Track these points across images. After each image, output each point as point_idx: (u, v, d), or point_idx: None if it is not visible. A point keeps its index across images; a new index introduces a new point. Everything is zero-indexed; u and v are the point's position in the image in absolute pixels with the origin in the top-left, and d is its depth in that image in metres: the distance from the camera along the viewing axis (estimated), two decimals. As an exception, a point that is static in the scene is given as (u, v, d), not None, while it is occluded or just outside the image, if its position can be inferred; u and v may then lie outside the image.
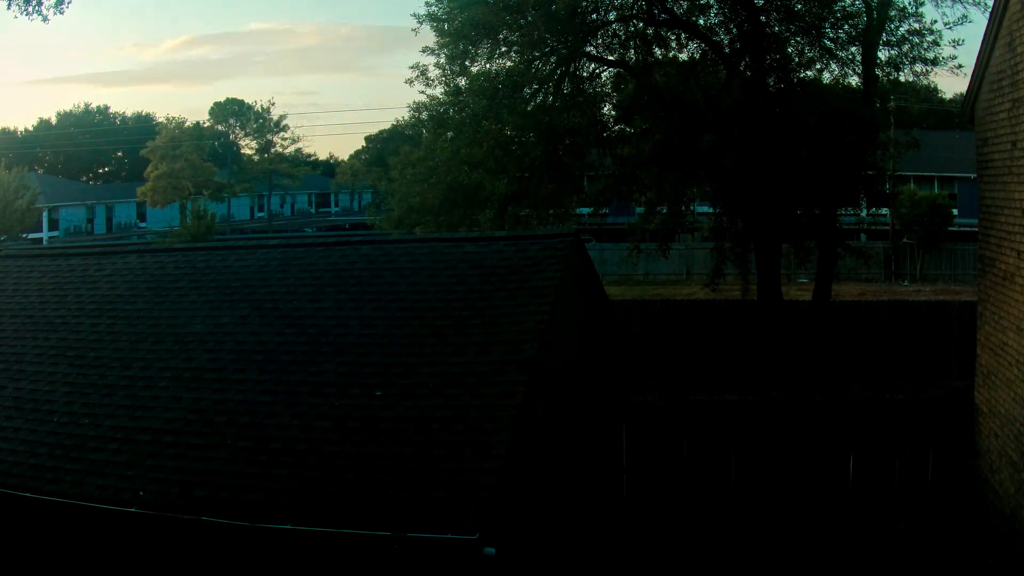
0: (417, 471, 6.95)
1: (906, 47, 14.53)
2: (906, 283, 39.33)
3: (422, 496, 6.71)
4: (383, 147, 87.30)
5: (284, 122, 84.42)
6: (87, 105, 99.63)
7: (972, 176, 14.47)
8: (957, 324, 20.91)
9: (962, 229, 40.38)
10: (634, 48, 15.29)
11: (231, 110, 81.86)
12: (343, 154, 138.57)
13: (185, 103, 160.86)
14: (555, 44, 13.72)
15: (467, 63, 15.99)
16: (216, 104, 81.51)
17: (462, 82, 16.52)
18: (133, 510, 7.16)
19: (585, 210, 17.26)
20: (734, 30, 14.68)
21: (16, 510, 7.77)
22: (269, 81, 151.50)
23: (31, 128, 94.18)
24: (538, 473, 8.53)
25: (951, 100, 55.85)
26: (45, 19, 12.77)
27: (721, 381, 21.97)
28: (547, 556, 9.08)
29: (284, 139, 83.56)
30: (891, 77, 15.38)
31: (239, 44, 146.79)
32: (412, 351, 8.31)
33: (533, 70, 14.14)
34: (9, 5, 12.34)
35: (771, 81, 14.68)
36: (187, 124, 76.68)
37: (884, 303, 23.17)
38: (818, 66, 15.10)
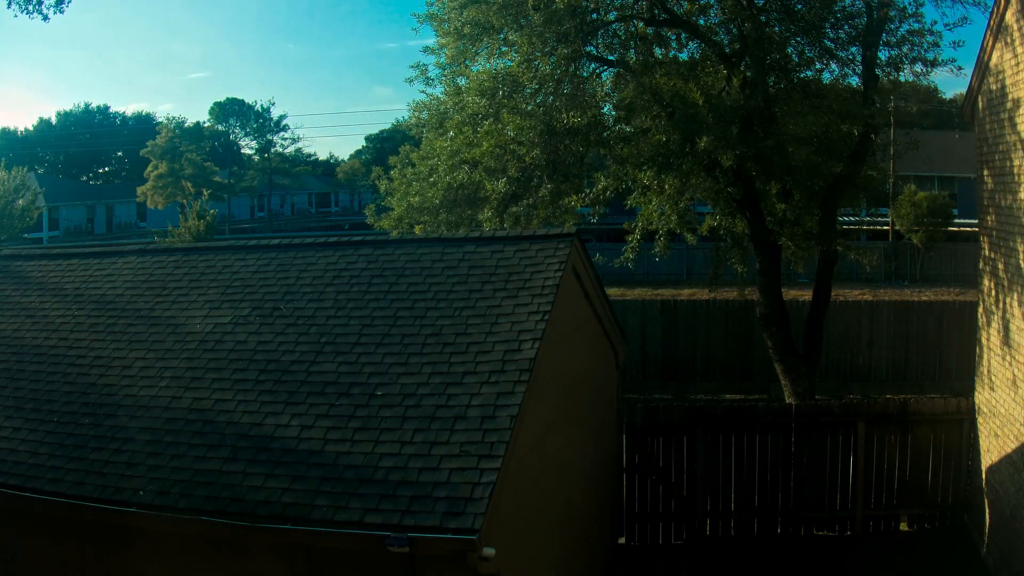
0: (417, 471, 6.96)
1: (906, 47, 14.49)
2: (906, 283, 39.34)
3: (422, 496, 6.72)
4: (383, 147, 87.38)
5: (284, 122, 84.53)
6: (87, 105, 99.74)
7: (972, 176, 14.45)
8: (957, 324, 20.95)
9: (962, 229, 40.40)
10: (634, 48, 15.28)
11: (231, 110, 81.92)
12: (343, 154, 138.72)
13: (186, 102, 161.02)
14: (556, 44, 13.70)
15: (467, 62, 15.98)
16: (216, 104, 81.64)
17: (462, 81, 16.52)
18: (133, 510, 7.17)
19: (585, 210, 17.23)
20: (734, 30, 14.65)
21: (16, 510, 7.78)
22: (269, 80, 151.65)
23: (31, 128, 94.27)
24: (538, 473, 8.54)
25: (951, 100, 55.87)
26: (45, 18, 12.76)
27: (721, 381, 22.02)
28: (547, 556, 9.08)
29: (284, 139, 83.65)
30: (891, 77, 15.35)
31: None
32: (413, 351, 8.31)
33: (533, 70, 14.12)
34: (9, 4, 12.33)
35: (771, 81, 14.65)
36: (187, 124, 76.75)
37: (884, 303, 23.21)
38: (818, 66, 15.06)
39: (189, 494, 7.15)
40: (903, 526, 13.74)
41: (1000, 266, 11.84)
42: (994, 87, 11.74)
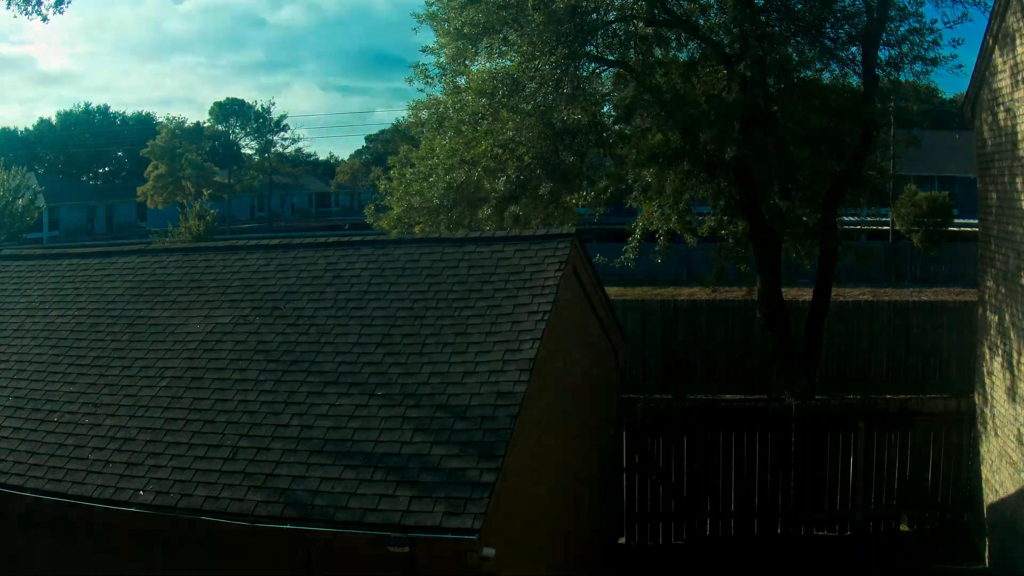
0: (417, 471, 6.96)
1: (906, 47, 14.47)
2: (906, 283, 39.31)
3: (422, 496, 6.72)
4: (383, 147, 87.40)
5: (284, 122, 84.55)
6: (87, 105, 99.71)
7: (972, 176, 14.45)
8: (957, 324, 20.95)
9: (962, 229, 40.35)
10: (634, 48, 15.27)
11: (231, 110, 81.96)
12: (343, 154, 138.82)
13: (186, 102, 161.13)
14: (555, 44, 13.70)
15: (467, 62, 15.98)
16: (216, 104, 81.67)
17: (462, 81, 16.51)
18: (133, 510, 7.17)
19: (585, 210, 17.23)
20: (734, 30, 14.64)
21: (16, 510, 7.78)
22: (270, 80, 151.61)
23: (31, 128, 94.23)
24: (538, 473, 8.54)
25: (951, 100, 55.83)
26: (45, 19, 12.72)
27: (721, 381, 22.01)
28: (547, 556, 9.08)
29: (284, 139, 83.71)
30: (891, 77, 15.32)
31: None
32: (413, 351, 8.32)
33: (533, 70, 14.12)
34: (8, 5, 12.29)
35: (771, 81, 14.65)
36: (187, 124, 76.78)
37: (884, 303, 23.21)
38: (818, 66, 15.04)
39: (189, 494, 7.15)
40: (903, 526, 13.73)
41: (999, 266, 11.84)
42: (994, 87, 11.73)
